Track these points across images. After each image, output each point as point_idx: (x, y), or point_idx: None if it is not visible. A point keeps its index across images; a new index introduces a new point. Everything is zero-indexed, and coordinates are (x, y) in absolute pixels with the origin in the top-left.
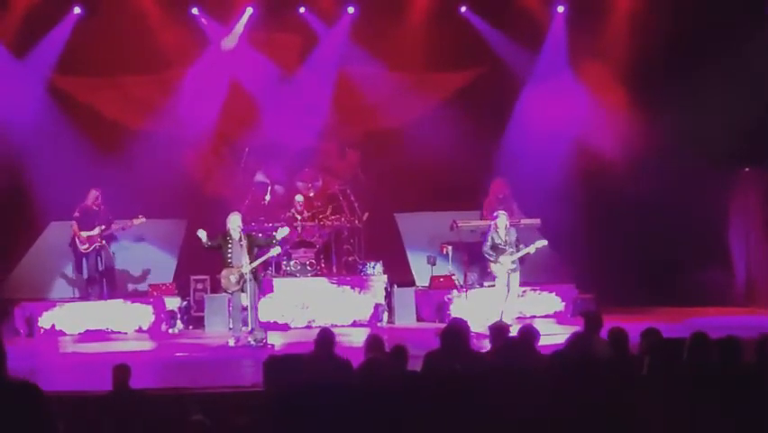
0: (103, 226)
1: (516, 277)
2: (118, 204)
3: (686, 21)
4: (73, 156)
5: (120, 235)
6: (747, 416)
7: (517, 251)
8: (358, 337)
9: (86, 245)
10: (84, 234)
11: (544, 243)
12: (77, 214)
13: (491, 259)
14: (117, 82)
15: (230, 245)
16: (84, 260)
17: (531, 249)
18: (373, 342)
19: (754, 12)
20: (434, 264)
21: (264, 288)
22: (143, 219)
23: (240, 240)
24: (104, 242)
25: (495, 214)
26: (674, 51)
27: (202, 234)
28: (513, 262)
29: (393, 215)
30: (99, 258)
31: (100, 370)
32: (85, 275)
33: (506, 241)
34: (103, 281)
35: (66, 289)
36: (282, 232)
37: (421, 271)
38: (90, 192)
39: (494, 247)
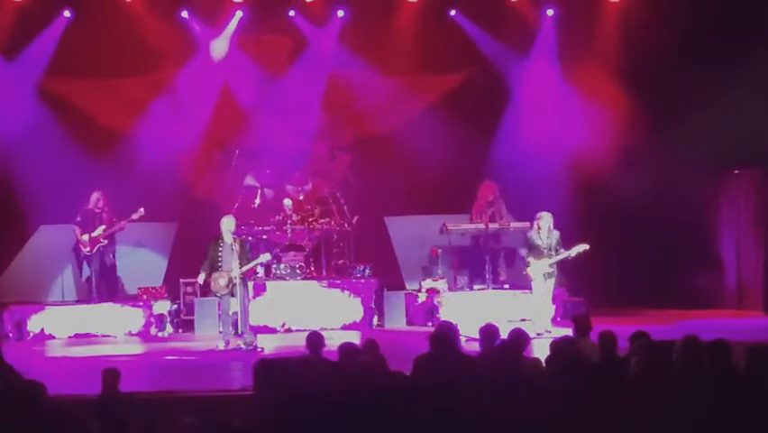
0: (104, 226)
1: (551, 282)
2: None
3: (678, 22)
4: (63, 159)
5: (119, 239)
6: (737, 418)
7: (556, 254)
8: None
9: (89, 248)
10: (85, 236)
11: (586, 247)
12: (78, 218)
13: (527, 260)
14: (107, 85)
15: (221, 249)
16: (85, 263)
17: (571, 253)
18: (367, 346)
19: (750, 14)
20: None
21: (255, 289)
22: (142, 211)
23: (231, 244)
24: (106, 241)
25: (538, 215)
26: (666, 53)
27: (201, 277)
28: (550, 266)
29: (383, 218)
30: (103, 260)
31: (90, 373)
32: (83, 277)
33: (547, 244)
34: (103, 284)
35: (55, 292)
36: (265, 257)
37: (411, 274)
38: (92, 195)
39: (533, 249)
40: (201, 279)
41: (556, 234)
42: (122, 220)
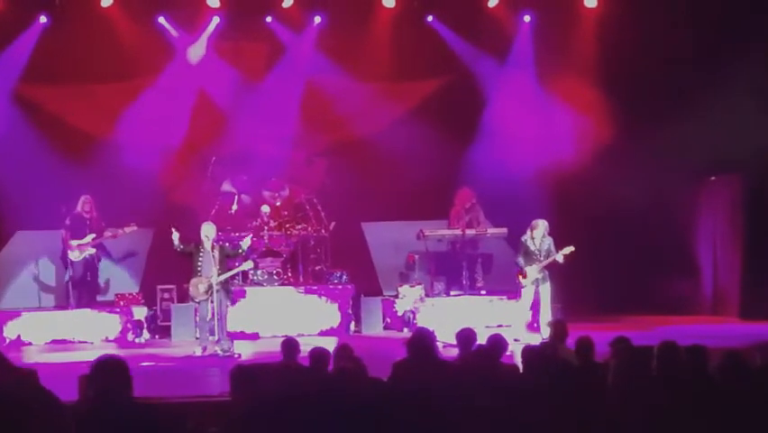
0: (94, 235)
1: (546, 288)
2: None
3: (655, 28)
4: (39, 164)
5: (108, 246)
6: (713, 423)
7: (546, 259)
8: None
9: (77, 253)
10: (74, 242)
11: (572, 248)
12: (67, 222)
13: (520, 268)
14: (84, 91)
15: (201, 254)
16: (71, 268)
17: (558, 256)
18: (342, 351)
19: (728, 22)
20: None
21: (235, 296)
22: (134, 227)
23: (211, 250)
24: (94, 250)
25: (533, 223)
26: (643, 59)
27: (175, 236)
28: (540, 272)
29: (360, 224)
30: (87, 267)
31: (66, 380)
32: (66, 279)
33: (540, 250)
34: (85, 290)
35: (31, 299)
36: (246, 242)
37: (388, 280)
38: (80, 199)
39: (527, 254)
40: (175, 237)
41: (549, 240)
42: (113, 230)
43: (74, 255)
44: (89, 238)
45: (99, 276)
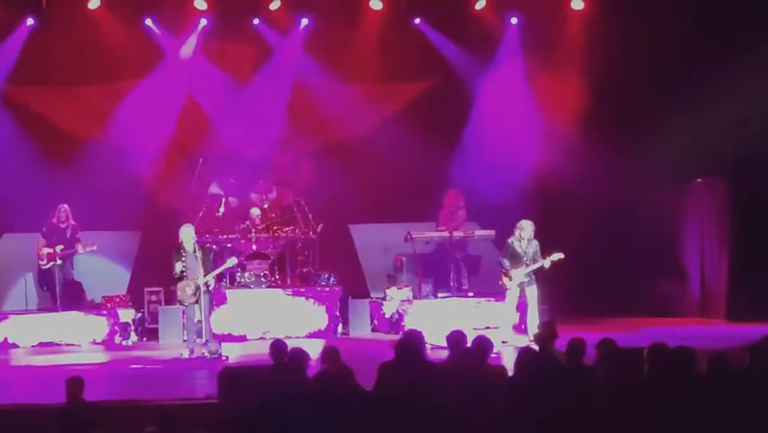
0: (62, 246)
1: (533, 290)
2: (72, 215)
3: (641, 32)
4: (26, 167)
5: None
6: (700, 424)
7: (533, 263)
8: (312, 349)
9: (45, 261)
10: (45, 250)
11: (561, 255)
12: (44, 229)
13: (504, 270)
14: (71, 93)
15: (184, 257)
16: (44, 275)
17: (546, 262)
18: (329, 353)
19: (712, 26)
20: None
21: (215, 299)
22: (95, 247)
23: (194, 252)
24: (60, 262)
25: (519, 223)
26: (629, 62)
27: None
28: (526, 276)
29: (347, 226)
30: (61, 273)
31: (53, 382)
32: (43, 288)
33: (526, 252)
34: (64, 295)
35: (19, 301)
36: (231, 262)
37: (375, 282)
38: (57, 207)
39: (513, 257)
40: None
41: (535, 243)
42: (79, 242)
43: (42, 263)
44: (58, 249)
45: (81, 279)
